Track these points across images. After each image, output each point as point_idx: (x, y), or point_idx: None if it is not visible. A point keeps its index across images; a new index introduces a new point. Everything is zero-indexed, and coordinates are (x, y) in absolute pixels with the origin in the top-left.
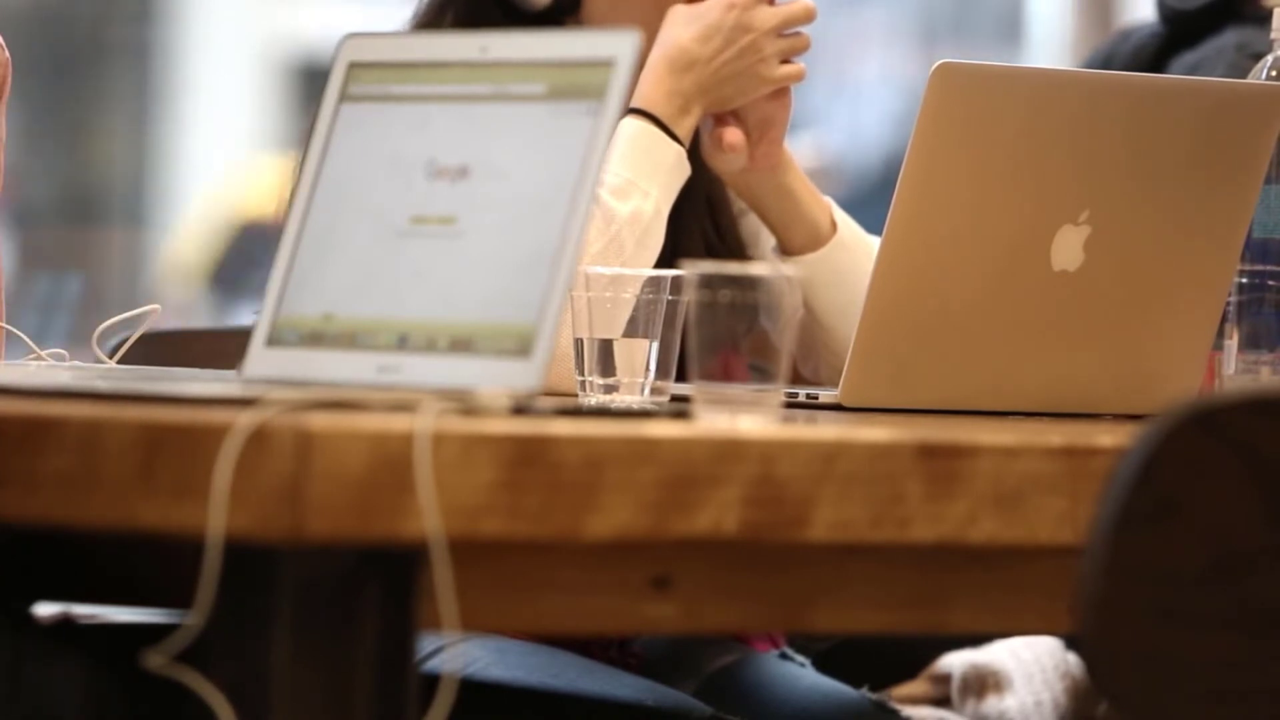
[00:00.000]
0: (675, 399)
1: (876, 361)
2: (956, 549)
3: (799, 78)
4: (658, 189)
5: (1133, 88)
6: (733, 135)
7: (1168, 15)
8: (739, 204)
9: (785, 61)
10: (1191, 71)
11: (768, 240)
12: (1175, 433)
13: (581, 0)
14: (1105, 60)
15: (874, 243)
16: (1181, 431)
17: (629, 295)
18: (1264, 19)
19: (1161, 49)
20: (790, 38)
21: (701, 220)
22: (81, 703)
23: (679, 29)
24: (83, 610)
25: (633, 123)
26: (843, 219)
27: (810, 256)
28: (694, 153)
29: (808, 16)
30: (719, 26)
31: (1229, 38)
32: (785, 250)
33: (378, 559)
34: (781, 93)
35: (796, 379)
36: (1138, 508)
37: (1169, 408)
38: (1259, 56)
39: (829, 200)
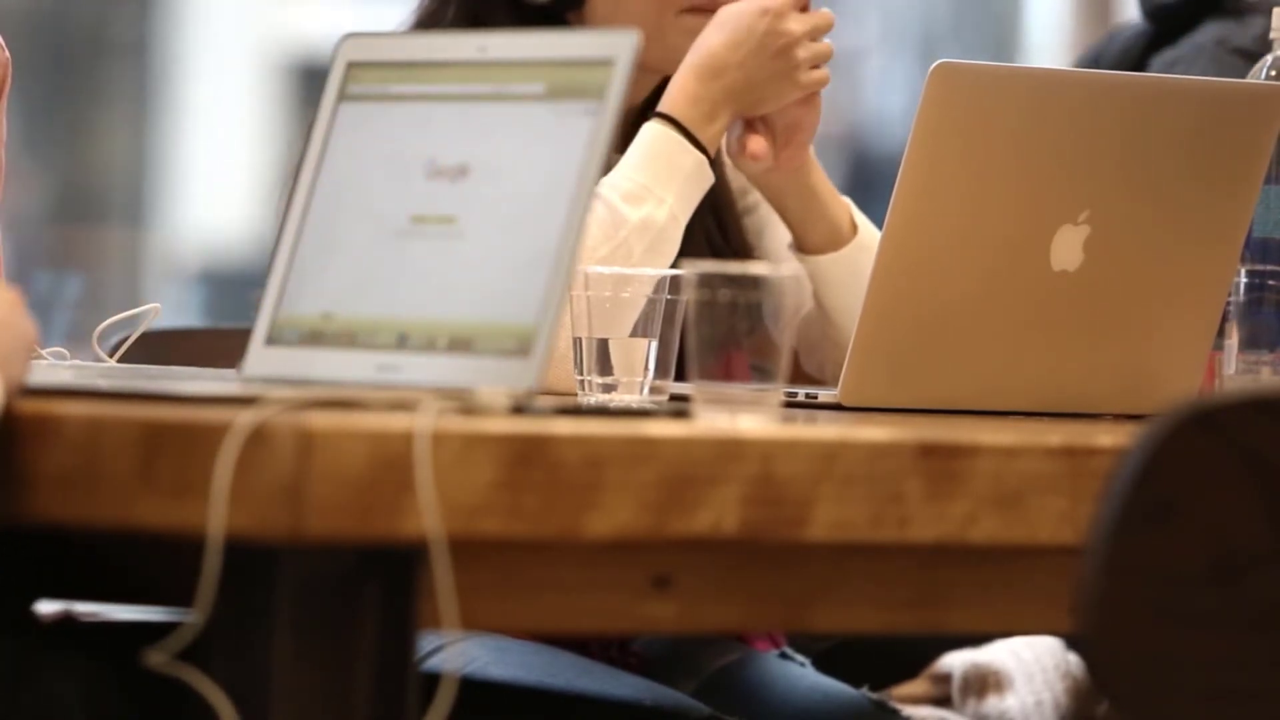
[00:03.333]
0: (675, 398)
1: (876, 361)
2: (956, 549)
3: (826, 82)
4: (673, 196)
5: (1132, 88)
6: (756, 144)
7: (1150, 11)
8: (743, 202)
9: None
10: (1170, 69)
11: (772, 238)
12: (1175, 433)
13: None
14: (1093, 61)
15: None
16: (1181, 431)
17: (628, 295)
18: (1243, 12)
19: (1147, 47)
20: (818, 45)
21: (705, 219)
22: (81, 702)
23: (711, 34)
24: (83, 609)
25: (654, 127)
26: (862, 221)
27: (829, 256)
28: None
29: (830, 25)
30: (751, 32)
31: (1207, 33)
32: (803, 249)
33: (378, 558)
34: (811, 98)
35: (799, 375)
36: (1138, 508)
37: (1169, 408)
38: (1240, 51)
39: (848, 200)
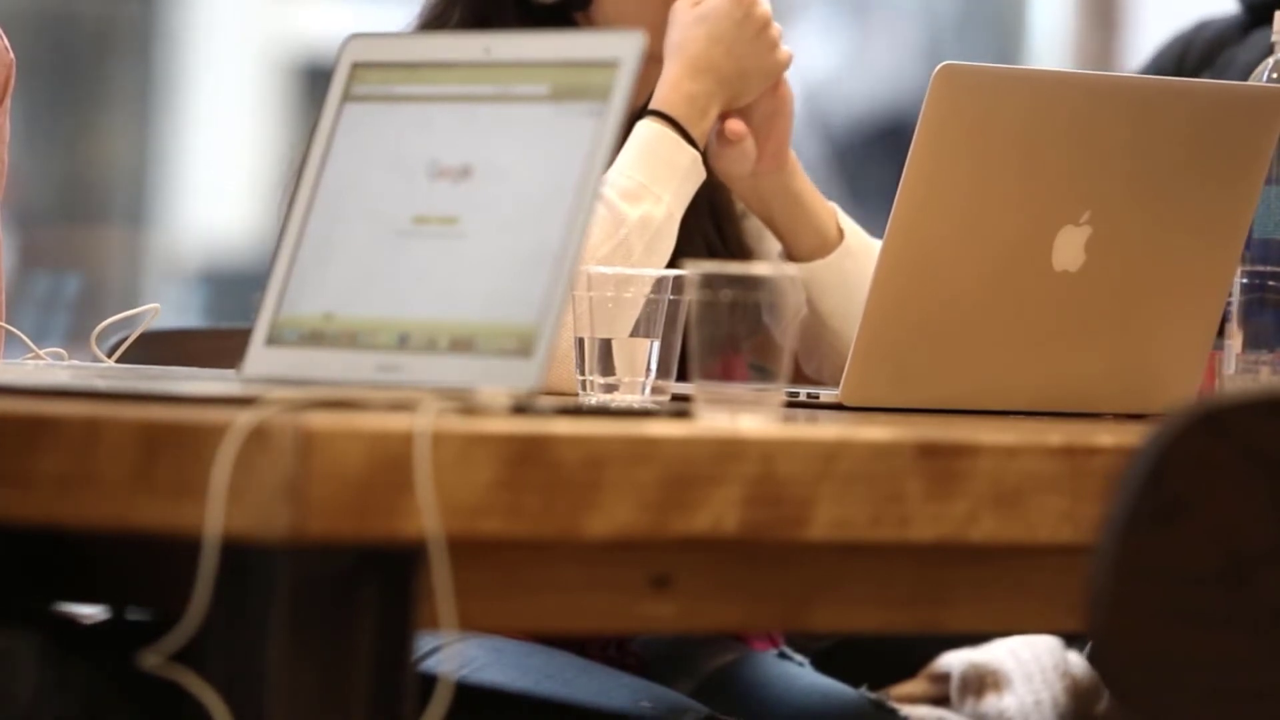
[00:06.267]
0: (676, 398)
1: (877, 361)
2: (956, 548)
3: (792, 59)
4: (670, 194)
5: (1134, 89)
6: (735, 124)
7: (1250, 3)
8: (741, 207)
9: None
10: (1265, 52)
11: (772, 242)
12: (1184, 434)
13: None
14: (1183, 48)
15: (879, 247)
16: (1190, 433)
17: (630, 295)
18: None
19: (1240, 33)
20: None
21: (704, 225)
22: (81, 703)
23: (692, 30)
24: (82, 610)
25: (649, 125)
26: (849, 225)
27: (818, 263)
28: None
29: None
30: (729, 21)
31: None
32: (792, 257)
33: (376, 558)
34: (779, 85)
35: (799, 377)
36: (1147, 508)
37: (1176, 409)
38: None
39: (834, 205)
